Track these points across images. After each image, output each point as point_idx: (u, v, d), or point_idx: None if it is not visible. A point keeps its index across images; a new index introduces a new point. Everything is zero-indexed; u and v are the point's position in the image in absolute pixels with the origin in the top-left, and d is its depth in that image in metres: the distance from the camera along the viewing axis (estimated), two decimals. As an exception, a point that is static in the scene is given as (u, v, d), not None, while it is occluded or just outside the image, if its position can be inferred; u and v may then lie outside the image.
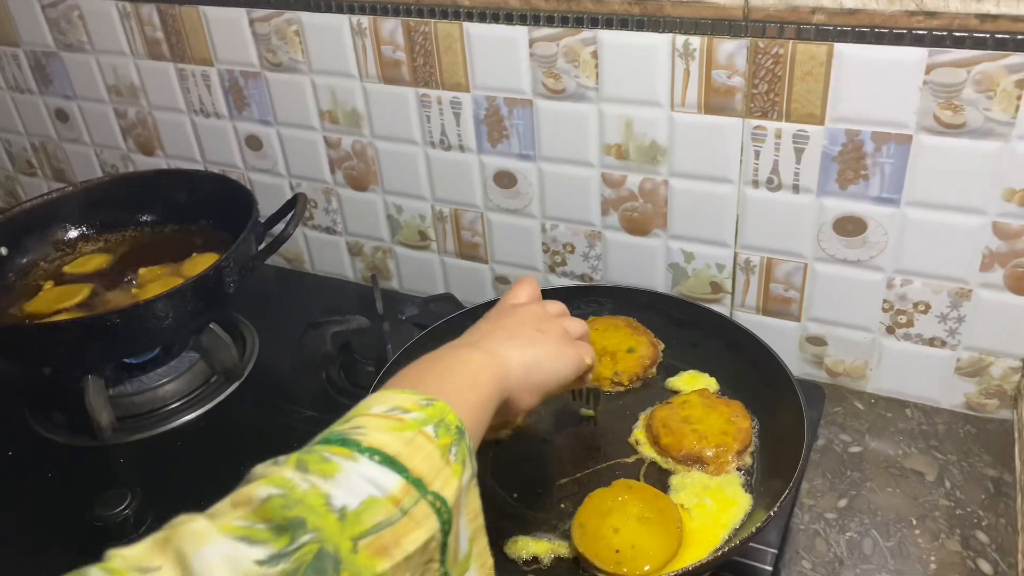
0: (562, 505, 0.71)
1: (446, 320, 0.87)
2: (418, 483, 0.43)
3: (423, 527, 0.43)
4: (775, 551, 0.73)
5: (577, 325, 0.68)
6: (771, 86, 0.79)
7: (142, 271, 1.02)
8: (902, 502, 0.80)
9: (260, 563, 0.37)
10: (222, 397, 0.98)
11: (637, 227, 0.94)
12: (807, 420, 0.68)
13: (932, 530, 0.77)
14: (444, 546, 0.44)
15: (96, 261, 1.04)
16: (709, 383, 0.81)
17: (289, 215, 0.97)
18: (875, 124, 0.77)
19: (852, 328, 0.89)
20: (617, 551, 0.63)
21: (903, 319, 0.86)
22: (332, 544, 0.39)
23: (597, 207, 0.95)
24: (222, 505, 0.42)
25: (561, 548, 0.67)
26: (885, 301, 0.86)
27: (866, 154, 0.79)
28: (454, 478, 0.45)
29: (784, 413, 0.73)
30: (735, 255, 0.91)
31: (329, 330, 0.97)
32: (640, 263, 0.96)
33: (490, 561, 0.49)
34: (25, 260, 1.05)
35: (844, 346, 0.91)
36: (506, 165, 0.97)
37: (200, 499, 0.82)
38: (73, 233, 1.08)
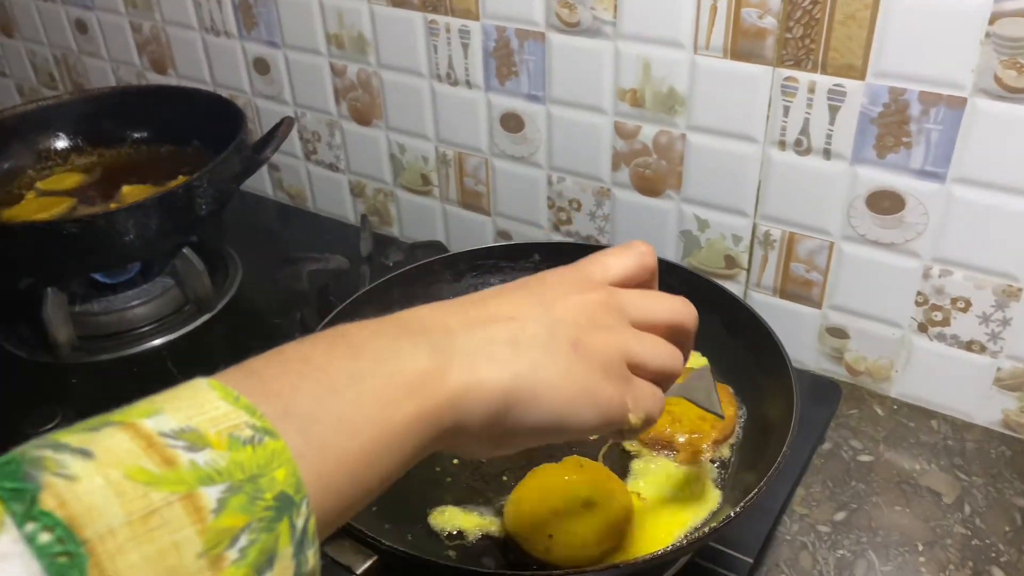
0: (504, 478, 0.63)
1: (420, 264, 0.79)
2: None
3: None
4: (750, 560, 0.64)
5: (666, 360, 0.42)
6: (807, 30, 0.69)
7: (125, 189, 0.97)
8: (910, 523, 0.69)
9: None
10: (191, 327, 0.93)
11: (649, 186, 0.85)
12: (796, 414, 0.58)
13: (940, 559, 0.66)
14: None
15: (72, 179, 0.99)
16: (697, 362, 0.71)
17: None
18: (924, 82, 0.66)
19: (879, 321, 0.78)
20: (550, 536, 0.55)
21: (938, 316, 0.74)
22: None
23: (608, 160, 0.86)
24: None
25: (491, 525, 0.59)
26: (919, 293, 0.74)
27: (911, 117, 0.67)
28: None
29: (776, 405, 0.63)
30: (754, 226, 0.80)
31: (305, 268, 0.91)
32: (650, 228, 0.87)
33: None
34: (9, 166, 1.01)
35: (868, 341, 0.80)
36: (514, 106, 0.88)
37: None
38: (63, 143, 1.04)
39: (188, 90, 1.04)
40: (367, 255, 0.94)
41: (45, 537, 0.24)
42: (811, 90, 0.71)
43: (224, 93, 1.13)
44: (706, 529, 0.52)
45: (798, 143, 0.74)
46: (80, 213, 0.93)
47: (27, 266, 0.85)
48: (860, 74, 0.68)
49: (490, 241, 1.00)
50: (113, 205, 0.94)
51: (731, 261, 0.83)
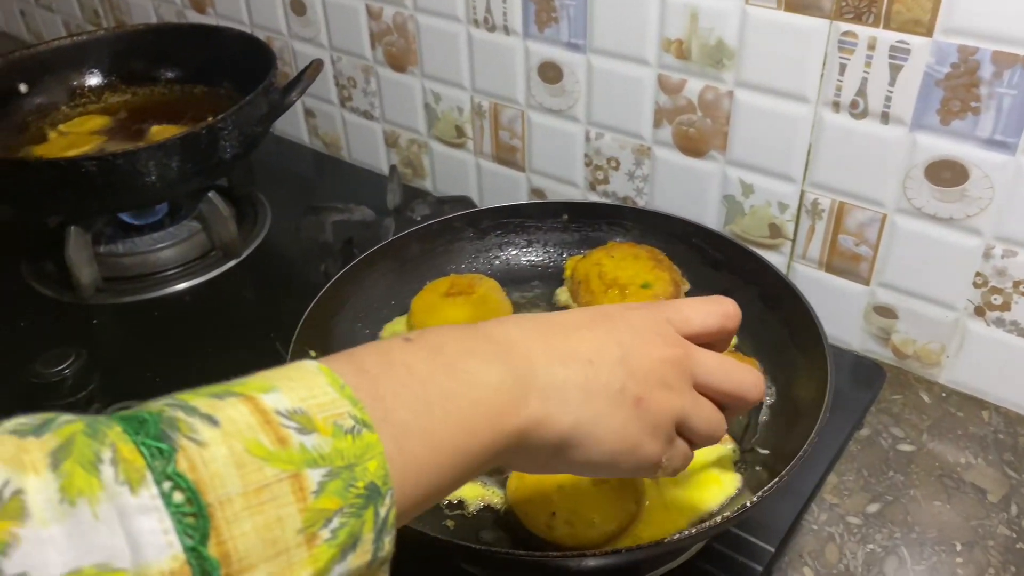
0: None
1: (442, 220, 0.75)
2: (207, 567, 0.26)
3: None
4: (771, 549, 0.60)
5: (713, 430, 0.43)
6: (871, -21, 0.62)
7: (154, 128, 0.95)
8: (950, 520, 0.64)
9: None
10: (215, 273, 0.91)
11: (692, 146, 0.79)
12: (828, 399, 0.53)
13: (980, 561, 0.61)
14: None
15: (94, 122, 0.98)
16: None
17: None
18: (999, 41, 0.59)
19: (931, 303, 0.72)
20: (553, 514, 0.52)
21: (997, 300, 0.69)
22: None
23: (649, 116, 0.80)
24: None
25: (494, 496, 0.56)
26: (978, 274, 0.68)
27: (981, 80, 0.61)
28: (304, 568, 0.28)
29: (809, 387, 0.59)
30: (801, 193, 0.75)
31: (329, 218, 0.88)
32: (691, 191, 0.82)
33: None
34: (42, 101, 0.99)
35: (918, 323, 0.74)
36: (553, 55, 0.83)
37: (155, 376, 0.77)
38: (96, 80, 1.02)
39: (221, 30, 1.02)
40: (394, 208, 0.91)
41: (178, 496, 0.26)
42: (871, 47, 0.65)
43: (261, 34, 1.10)
44: (719, 518, 0.48)
45: (854, 105, 0.68)
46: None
47: (48, 203, 0.84)
48: (927, 30, 0.62)
49: (523, 198, 0.96)
50: (142, 144, 0.92)
51: (775, 230, 0.78)
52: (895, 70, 0.64)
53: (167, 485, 0.26)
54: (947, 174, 0.66)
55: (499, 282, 0.75)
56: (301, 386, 0.31)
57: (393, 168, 0.96)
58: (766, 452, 0.58)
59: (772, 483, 0.48)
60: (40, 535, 0.24)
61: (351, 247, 0.88)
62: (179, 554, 0.25)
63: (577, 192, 0.91)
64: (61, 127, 0.96)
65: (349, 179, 1.09)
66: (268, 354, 0.78)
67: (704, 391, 0.43)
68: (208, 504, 0.26)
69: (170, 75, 1.03)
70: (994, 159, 0.63)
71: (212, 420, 0.28)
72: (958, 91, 0.62)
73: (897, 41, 0.63)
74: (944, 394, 0.75)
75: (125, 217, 0.91)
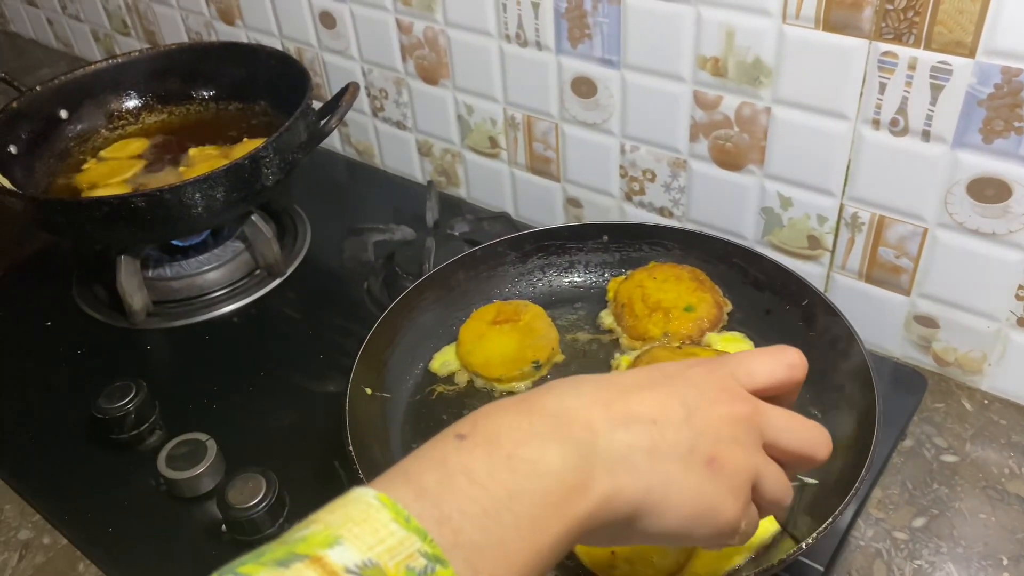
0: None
1: (486, 247, 0.76)
2: None
3: None
4: (821, 568, 0.62)
5: (783, 495, 0.42)
6: (911, 2, 0.62)
7: (192, 151, 0.96)
8: (996, 534, 0.65)
9: None
10: (261, 293, 0.93)
11: (729, 160, 0.80)
12: (877, 432, 0.55)
13: (1025, 575, 0.63)
14: None
15: (134, 146, 0.99)
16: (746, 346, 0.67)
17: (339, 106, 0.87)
18: (1044, 63, 0.59)
19: (973, 313, 0.73)
20: (613, 552, 0.54)
21: (1041, 312, 0.69)
22: None
23: (685, 131, 0.81)
24: None
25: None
26: (1021, 287, 0.69)
27: (1025, 101, 0.61)
28: None
29: (852, 411, 0.60)
30: (841, 207, 0.75)
31: (371, 238, 0.89)
32: (728, 203, 0.82)
33: None
34: (83, 126, 1.01)
35: (959, 332, 0.75)
36: (586, 70, 0.84)
37: (212, 402, 0.79)
38: (133, 103, 1.04)
39: (256, 48, 1.02)
40: (433, 224, 0.92)
41: None
42: (912, 67, 0.65)
43: (291, 46, 1.11)
44: (774, 560, 0.50)
45: (894, 123, 0.68)
46: (148, 183, 0.93)
47: (99, 237, 0.86)
48: (970, 51, 0.62)
49: (559, 208, 0.97)
50: (182, 169, 0.94)
51: (815, 242, 0.79)
52: (936, 90, 0.64)
53: None
54: (990, 191, 0.66)
55: (542, 304, 0.76)
56: (366, 530, 0.30)
57: (430, 183, 0.98)
58: (814, 482, 0.59)
59: (825, 524, 0.50)
60: None
61: (392, 263, 0.90)
62: None
63: (613, 203, 0.91)
64: (102, 153, 0.98)
65: (384, 187, 1.11)
66: (318, 376, 0.80)
67: (772, 451, 0.41)
68: None
69: (205, 94, 1.05)
70: (1038, 177, 0.63)
71: None
72: (1001, 111, 0.62)
73: (939, 62, 0.63)
74: (986, 401, 0.76)
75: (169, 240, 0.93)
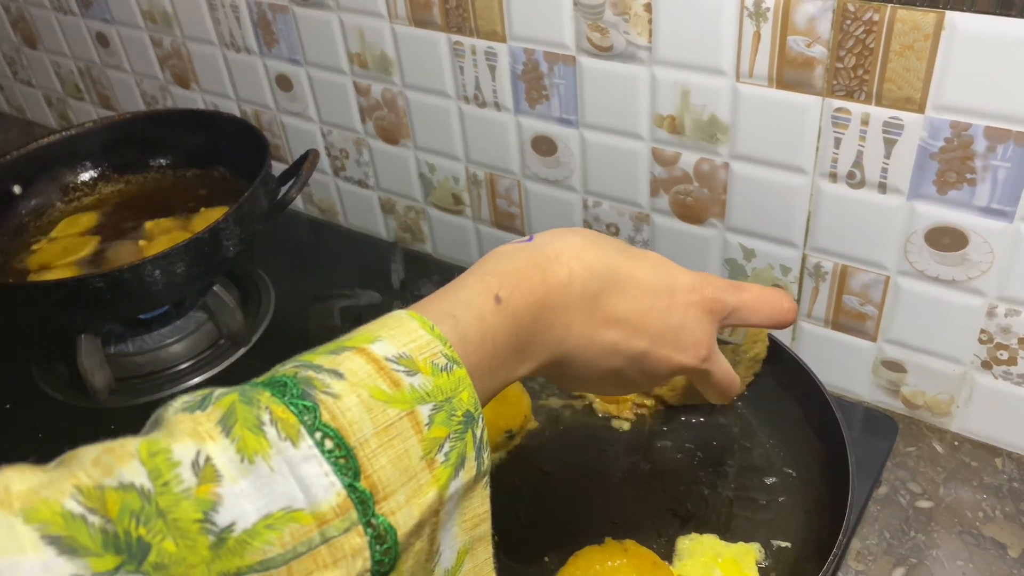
0: (546, 559, 0.60)
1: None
2: (365, 498, 0.31)
3: (341, 568, 0.30)
4: (803, 625, 0.61)
5: (722, 369, 0.51)
6: (860, 60, 0.63)
7: (148, 224, 0.95)
8: (974, 580, 0.66)
9: None
10: (227, 363, 0.92)
11: (691, 214, 0.80)
12: (851, 499, 0.55)
13: (1006, 622, 0.63)
14: None
15: (84, 220, 0.97)
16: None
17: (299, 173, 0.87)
18: (990, 118, 0.60)
19: (939, 358, 0.74)
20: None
21: (1004, 355, 0.70)
22: None
23: (646, 186, 0.81)
24: (88, 452, 0.31)
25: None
26: (983, 331, 0.70)
27: (975, 153, 0.62)
28: (431, 487, 0.33)
29: (826, 472, 0.60)
30: (804, 257, 0.76)
31: (337, 304, 0.88)
32: (692, 255, 0.82)
33: None
34: (37, 201, 0.99)
35: (927, 376, 0.75)
36: (545, 129, 0.84)
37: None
38: (88, 174, 1.02)
39: (212, 114, 1.02)
40: (399, 285, 0.92)
41: (328, 444, 0.31)
42: (865, 122, 0.66)
43: (248, 109, 1.10)
44: (758, 636, 0.49)
45: (851, 175, 0.69)
46: (104, 260, 0.91)
47: (57, 318, 0.84)
48: (919, 107, 0.63)
49: (526, 261, 0.97)
50: (141, 243, 0.93)
51: (779, 291, 0.79)
52: (890, 144, 0.65)
53: (318, 435, 0.31)
54: (947, 240, 0.67)
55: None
56: (399, 333, 0.36)
57: (395, 245, 0.97)
58: (787, 544, 0.59)
59: (806, 596, 0.50)
60: (234, 490, 0.29)
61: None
62: (341, 491, 0.31)
63: (579, 256, 0.91)
64: (52, 233, 0.96)
65: (348, 246, 1.10)
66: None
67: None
68: (352, 447, 0.32)
69: (163, 161, 1.03)
70: (993, 226, 0.64)
71: (338, 374, 0.33)
72: (953, 163, 0.64)
73: (890, 117, 0.64)
74: (956, 443, 0.76)
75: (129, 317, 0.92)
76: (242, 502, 0.29)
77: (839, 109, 0.66)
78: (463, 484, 0.35)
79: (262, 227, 0.86)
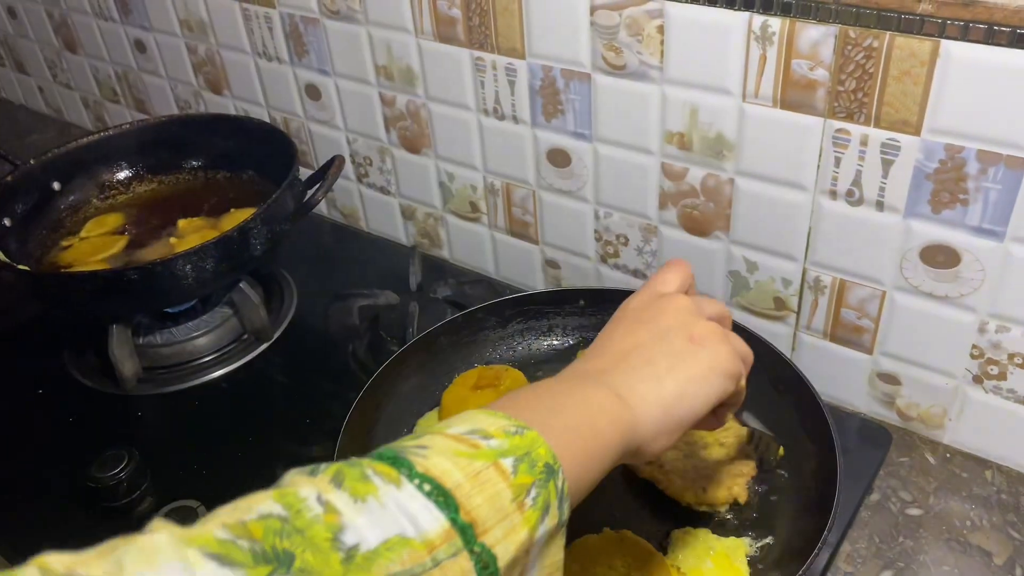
0: (546, 546, 0.64)
1: (466, 313, 0.80)
2: (466, 529, 0.35)
3: None
4: (792, 622, 0.64)
5: (740, 342, 0.54)
6: (860, 84, 0.67)
7: (181, 222, 0.99)
8: (959, 585, 0.68)
9: None
10: (250, 357, 0.96)
11: (697, 226, 0.84)
12: (837, 497, 0.58)
13: (988, 626, 0.65)
14: None
15: (110, 221, 1.02)
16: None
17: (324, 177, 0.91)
18: (983, 141, 0.63)
19: (932, 371, 0.76)
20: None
21: (994, 370, 0.73)
22: None
23: (655, 199, 0.85)
24: (223, 508, 0.35)
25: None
26: (975, 347, 0.73)
27: (968, 175, 0.65)
28: (522, 528, 0.37)
29: (817, 472, 0.63)
30: (804, 271, 0.79)
31: (356, 303, 0.92)
32: (698, 266, 0.85)
33: None
34: (76, 197, 1.04)
35: (921, 389, 0.78)
36: (561, 142, 0.88)
37: (202, 468, 0.81)
38: (124, 173, 1.07)
39: (243, 119, 1.06)
40: (416, 288, 0.95)
41: (427, 487, 0.36)
42: (863, 143, 0.69)
43: (278, 116, 1.15)
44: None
45: (850, 193, 0.72)
46: (133, 257, 0.95)
47: (90, 308, 0.88)
48: (915, 130, 0.66)
49: (538, 269, 1.00)
50: (173, 240, 0.97)
51: (780, 303, 0.82)
52: (887, 164, 0.69)
53: (417, 482, 0.36)
54: (940, 257, 0.70)
55: (522, 367, 0.79)
56: (469, 420, 0.41)
57: (413, 249, 1.01)
58: (776, 540, 0.62)
59: (789, 585, 0.53)
60: (355, 521, 0.34)
61: (377, 327, 0.93)
62: (445, 522, 0.35)
63: (589, 264, 0.95)
64: (81, 233, 1.00)
65: (368, 250, 1.14)
66: (304, 441, 0.83)
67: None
68: (449, 489, 0.36)
69: (195, 163, 1.08)
70: (984, 245, 0.67)
71: (422, 447, 0.38)
72: (947, 184, 0.67)
73: (888, 139, 0.68)
74: (948, 455, 0.79)
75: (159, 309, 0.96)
76: (362, 530, 0.34)
77: (839, 130, 0.70)
78: (548, 529, 0.39)
79: (288, 228, 0.90)
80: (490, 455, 0.38)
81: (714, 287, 0.86)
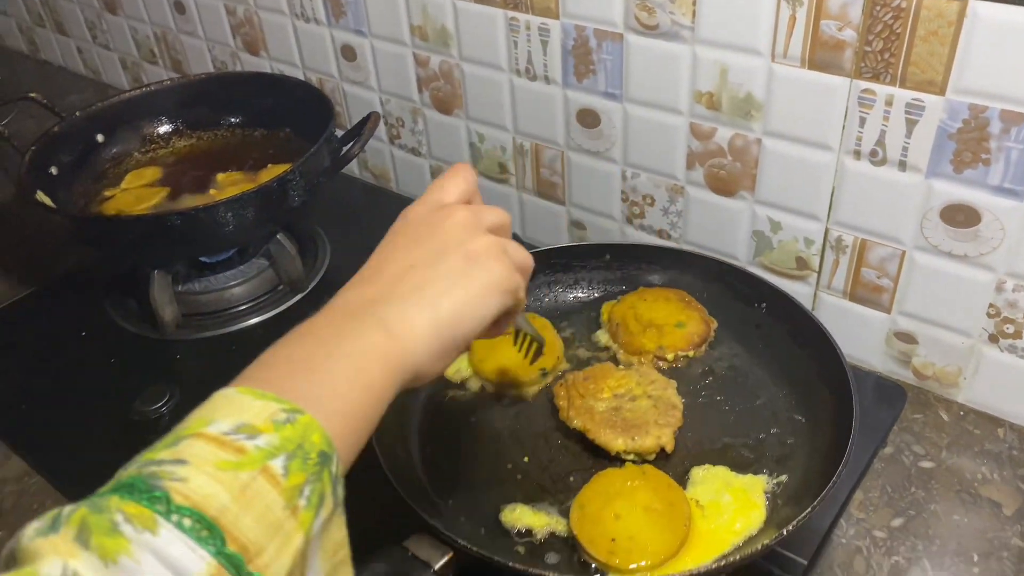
0: (571, 479, 0.67)
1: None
2: (234, 558, 0.33)
3: None
4: (804, 562, 0.66)
5: (519, 252, 0.53)
6: (887, 44, 0.68)
7: (220, 176, 1.03)
8: (968, 533, 0.71)
9: None
10: (284, 307, 0.99)
11: (723, 186, 0.86)
12: (852, 437, 0.60)
13: (995, 570, 0.68)
14: None
15: (148, 174, 1.05)
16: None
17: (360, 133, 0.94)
18: (1006, 101, 0.65)
19: (949, 330, 0.78)
20: (613, 540, 0.59)
21: (1010, 329, 0.75)
22: None
23: (682, 159, 0.87)
24: None
25: (559, 525, 0.63)
26: (991, 306, 0.75)
27: (991, 135, 0.67)
28: (298, 533, 0.35)
29: (834, 420, 0.65)
30: (826, 231, 0.81)
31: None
32: (722, 226, 0.88)
33: None
34: (118, 149, 1.08)
35: (937, 348, 0.80)
36: (591, 103, 0.90)
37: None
38: (165, 128, 1.10)
39: (281, 78, 1.09)
40: (446, 244, 0.98)
41: (187, 523, 0.33)
42: (889, 103, 0.71)
43: (313, 77, 1.17)
44: (759, 546, 0.55)
45: (873, 154, 0.74)
46: (179, 204, 0.99)
47: (133, 252, 0.92)
48: (940, 90, 0.68)
49: (564, 230, 1.03)
50: (212, 191, 1.00)
51: (802, 263, 0.85)
52: (911, 124, 0.71)
53: (175, 518, 0.33)
54: (961, 216, 0.72)
55: (547, 316, 0.82)
56: (232, 409, 0.37)
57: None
58: (792, 478, 0.65)
59: (805, 513, 0.55)
60: None
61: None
62: (211, 560, 0.32)
63: (615, 225, 0.98)
64: (122, 184, 1.04)
65: (398, 209, 1.15)
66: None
67: (490, 230, 0.52)
68: (213, 517, 0.33)
69: (233, 120, 1.11)
70: (1004, 204, 0.69)
71: (181, 461, 0.35)
72: (969, 144, 0.69)
73: (912, 99, 0.69)
74: (962, 413, 0.81)
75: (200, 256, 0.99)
76: None
77: (865, 90, 0.72)
78: (324, 520, 0.37)
79: (324, 180, 0.93)
80: (257, 460, 0.35)
81: (737, 247, 0.88)
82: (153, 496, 0.33)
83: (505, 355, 0.76)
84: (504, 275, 0.50)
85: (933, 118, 0.69)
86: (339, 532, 0.39)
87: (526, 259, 0.54)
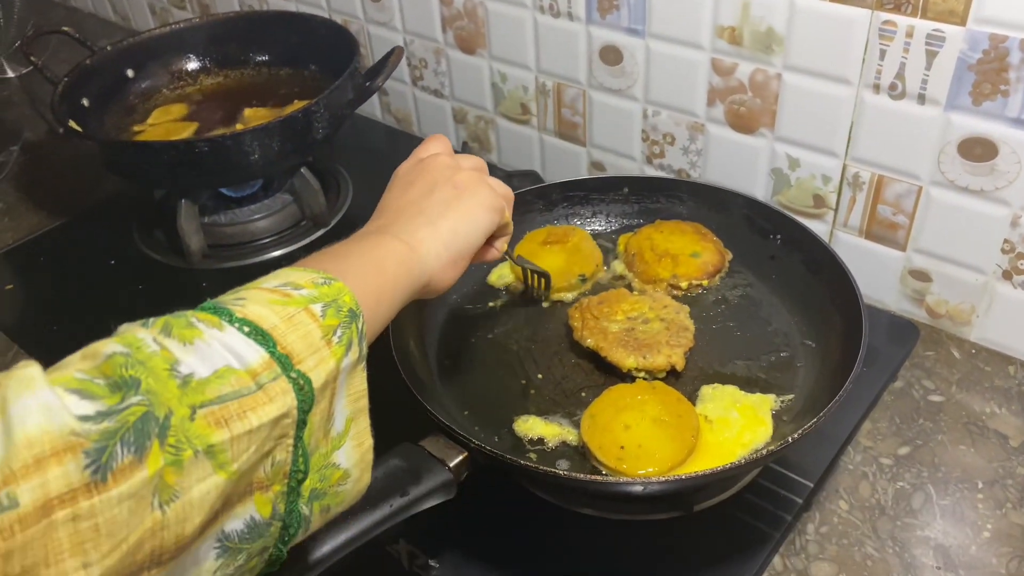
0: (583, 393, 0.69)
1: (516, 194, 0.84)
2: (283, 359, 0.41)
3: (276, 403, 0.40)
4: (811, 485, 0.68)
5: (499, 183, 0.63)
6: (909, -27, 0.69)
7: (247, 111, 1.04)
8: (973, 462, 0.72)
9: (83, 418, 0.34)
10: (307, 241, 1.01)
11: (743, 123, 0.86)
12: (861, 354, 0.61)
13: (998, 498, 0.69)
14: (302, 423, 0.42)
15: (175, 111, 1.07)
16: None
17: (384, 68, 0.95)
18: (1027, 30, 0.65)
19: (963, 267, 0.79)
20: (622, 447, 0.61)
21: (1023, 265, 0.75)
22: (164, 409, 0.36)
23: (703, 96, 0.88)
24: (72, 357, 0.39)
25: (569, 435, 0.65)
26: (1006, 241, 0.75)
27: (1010, 65, 0.67)
28: (331, 359, 0.43)
29: (845, 343, 0.66)
30: (844, 167, 0.82)
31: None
32: (741, 164, 0.89)
33: (369, 442, 0.47)
34: (147, 84, 1.10)
35: (951, 285, 0.81)
36: (613, 39, 0.91)
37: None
38: (193, 65, 1.12)
39: (306, 16, 1.10)
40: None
41: (246, 328, 0.41)
42: (909, 34, 0.71)
43: (338, 18, 1.19)
44: (765, 451, 0.57)
45: (892, 87, 0.74)
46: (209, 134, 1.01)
47: (162, 180, 0.94)
48: (961, 20, 0.68)
49: (584, 171, 1.04)
50: (239, 127, 1.02)
51: (819, 200, 0.85)
52: (931, 56, 0.71)
53: (237, 325, 0.41)
54: (978, 150, 0.72)
55: (567, 247, 0.84)
56: (281, 276, 0.46)
57: (464, 144, 1.05)
58: (799, 397, 0.66)
59: (811, 423, 0.57)
60: (187, 360, 0.38)
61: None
62: (265, 355, 0.40)
63: (634, 165, 0.98)
64: (149, 120, 1.06)
65: (420, 152, 1.18)
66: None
67: None
68: (266, 329, 0.41)
69: (260, 58, 1.13)
70: (1022, 136, 0.70)
71: (240, 299, 0.43)
72: (989, 75, 0.69)
73: (933, 30, 0.70)
74: (974, 350, 0.82)
75: (226, 191, 1.02)
76: (194, 365, 0.38)
77: (886, 22, 0.72)
78: (351, 362, 0.45)
79: (348, 112, 0.95)
80: (301, 302, 0.43)
81: (755, 185, 0.89)
82: (220, 310, 0.42)
83: (545, 262, 0.79)
84: (489, 196, 0.60)
85: (953, 49, 0.69)
86: (361, 383, 0.46)
87: (507, 189, 0.64)
